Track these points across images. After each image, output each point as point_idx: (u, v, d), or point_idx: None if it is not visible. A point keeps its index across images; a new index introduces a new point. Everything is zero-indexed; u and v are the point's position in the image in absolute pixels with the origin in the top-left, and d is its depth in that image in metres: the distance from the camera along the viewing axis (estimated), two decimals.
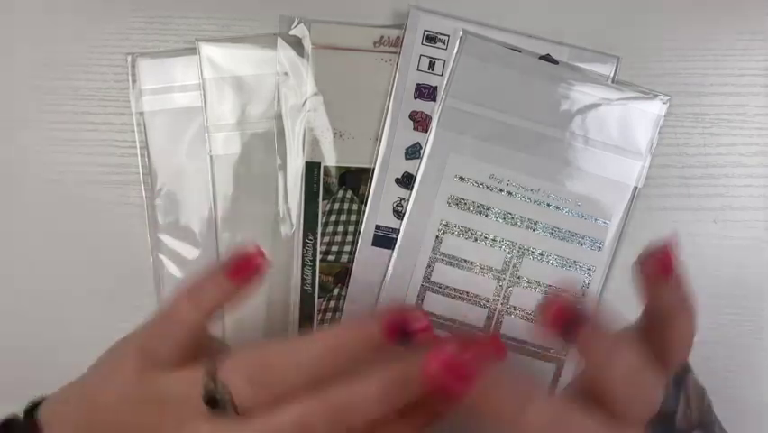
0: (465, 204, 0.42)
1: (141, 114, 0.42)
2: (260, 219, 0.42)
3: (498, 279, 0.42)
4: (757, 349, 0.43)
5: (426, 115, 0.41)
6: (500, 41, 0.41)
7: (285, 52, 0.41)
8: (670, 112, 0.42)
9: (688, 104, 0.42)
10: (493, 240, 0.42)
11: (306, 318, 0.42)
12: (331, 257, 0.42)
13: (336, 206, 0.42)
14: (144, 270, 0.42)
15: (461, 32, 0.41)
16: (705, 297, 0.43)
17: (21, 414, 0.30)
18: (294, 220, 0.42)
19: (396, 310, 0.27)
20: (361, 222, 0.42)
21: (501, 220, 0.42)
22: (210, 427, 0.26)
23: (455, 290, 0.42)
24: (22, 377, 0.42)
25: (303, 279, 0.42)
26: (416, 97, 0.41)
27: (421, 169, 0.41)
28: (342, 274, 0.42)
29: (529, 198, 0.42)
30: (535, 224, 0.42)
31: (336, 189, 0.42)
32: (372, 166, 0.41)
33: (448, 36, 0.41)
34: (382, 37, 0.41)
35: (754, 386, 0.43)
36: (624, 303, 0.42)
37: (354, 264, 0.42)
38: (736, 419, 0.33)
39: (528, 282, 0.42)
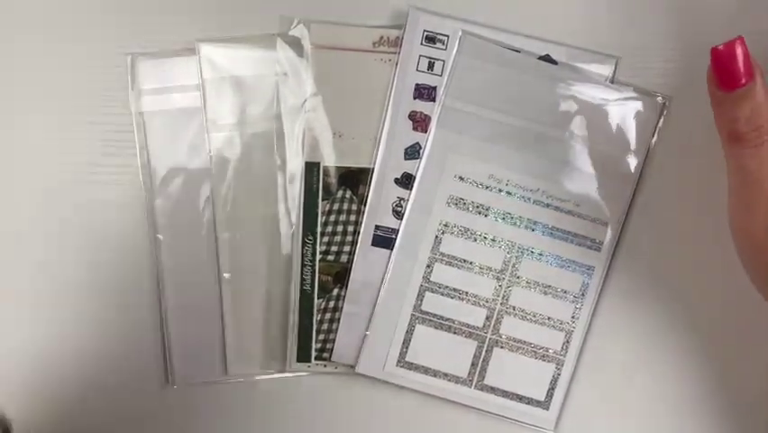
0: (465, 204, 0.42)
1: (141, 114, 0.42)
2: (260, 219, 0.42)
3: (498, 279, 0.42)
4: None
5: (426, 115, 0.41)
6: (499, 41, 0.41)
7: (284, 52, 0.41)
8: (669, 112, 0.42)
9: (688, 104, 0.42)
10: (492, 240, 0.42)
11: (305, 318, 0.42)
12: (330, 257, 0.42)
13: (336, 206, 0.42)
14: (144, 270, 0.42)
15: (460, 33, 0.41)
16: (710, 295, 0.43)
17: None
18: (293, 220, 0.42)
19: None
20: (361, 222, 0.42)
21: (500, 220, 0.42)
22: None
23: (455, 290, 0.42)
24: (21, 376, 0.43)
25: (302, 278, 0.42)
26: (415, 98, 0.41)
27: (420, 169, 0.41)
28: (341, 274, 0.42)
29: (528, 199, 0.42)
30: (535, 224, 0.42)
31: (336, 190, 0.42)
32: (372, 166, 0.42)
33: (447, 36, 0.41)
34: (382, 37, 0.41)
35: None
36: (624, 303, 0.43)
37: (354, 264, 0.42)
38: None
39: (528, 282, 0.42)
